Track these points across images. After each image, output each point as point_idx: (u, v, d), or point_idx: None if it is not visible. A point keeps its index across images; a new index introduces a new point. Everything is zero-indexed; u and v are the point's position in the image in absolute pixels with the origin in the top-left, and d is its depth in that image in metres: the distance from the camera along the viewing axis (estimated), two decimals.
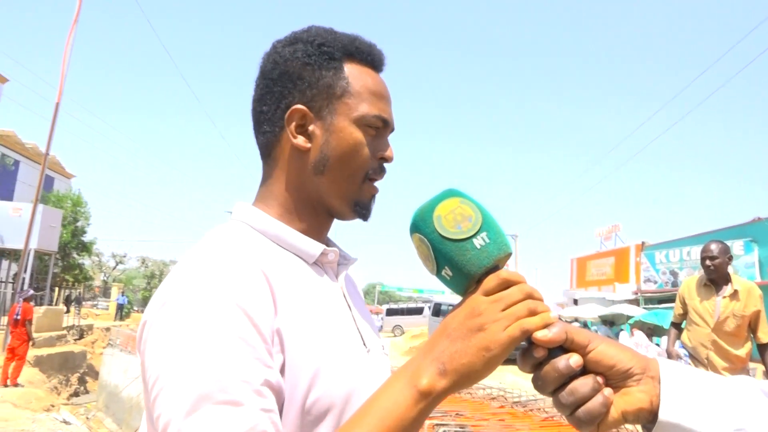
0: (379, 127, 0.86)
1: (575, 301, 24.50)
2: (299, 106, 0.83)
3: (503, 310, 0.63)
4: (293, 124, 0.84)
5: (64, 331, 17.99)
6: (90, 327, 22.21)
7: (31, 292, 11.22)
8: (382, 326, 40.14)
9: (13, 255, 20.96)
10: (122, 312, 31.05)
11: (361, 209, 0.87)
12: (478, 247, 0.66)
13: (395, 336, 30.55)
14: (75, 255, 24.70)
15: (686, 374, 0.62)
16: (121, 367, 15.06)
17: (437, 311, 22.82)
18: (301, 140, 0.84)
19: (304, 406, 0.70)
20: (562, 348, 0.62)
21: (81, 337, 20.51)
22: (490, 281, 0.65)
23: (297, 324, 0.72)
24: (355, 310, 0.87)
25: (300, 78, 0.84)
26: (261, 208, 0.86)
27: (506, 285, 0.64)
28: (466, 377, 0.63)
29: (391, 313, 34.78)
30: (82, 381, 16.56)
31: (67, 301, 25.58)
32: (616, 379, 0.61)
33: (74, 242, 24.34)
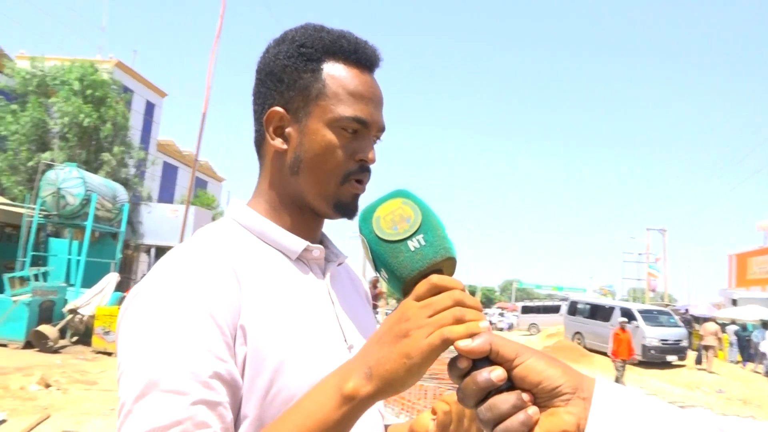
0: (357, 129, 0.84)
1: (734, 302, 22.34)
2: (277, 108, 0.85)
3: (430, 316, 0.60)
4: (272, 125, 0.86)
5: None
6: None
7: None
8: (512, 324, 39.31)
9: None
10: None
11: (342, 209, 0.86)
12: (412, 249, 0.64)
13: (531, 335, 29.71)
14: None
15: (625, 398, 0.55)
16: None
17: (573, 310, 21.84)
18: (278, 142, 0.86)
19: (266, 397, 0.72)
20: (489, 360, 0.58)
21: None
22: (421, 286, 0.63)
23: (263, 319, 0.74)
24: (339, 307, 0.86)
25: (280, 80, 0.85)
26: (251, 205, 0.89)
27: (436, 291, 0.62)
28: (389, 384, 0.62)
29: (526, 310, 33.96)
30: None
31: None
32: (544, 397, 0.56)
33: None
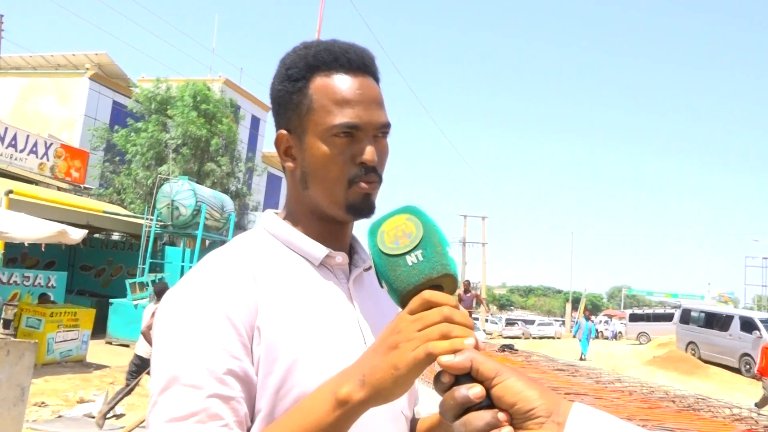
0: (350, 133, 0.86)
1: None
2: (282, 131, 0.92)
3: (419, 330, 0.63)
4: (281, 147, 0.93)
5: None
6: None
7: None
8: (619, 332, 37.22)
9: None
10: None
11: (356, 211, 0.90)
12: (410, 264, 0.67)
13: (640, 344, 28.05)
14: None
15: (600, 425, 0.55)
16: None
17: (686, 318, 20.45)
18: (289, 162, 0.93)
19: (278, 394, 0.78)
20: (471, 377, 0.60)
21: None
22: (414, 301, 0.66)
23: (278, 320, 0.80)
24: (361, 311, 0.91)
25: (280, 104, 0.92)
26: (280, 215, 0.96)
27: (427, 306, 0.65)
28: (379, 393, 0.65)
29: (635, 318, 32.06)
30: None
31: None
32: (519, 418, 0.57)
33: None
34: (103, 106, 21.33)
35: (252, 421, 0.77)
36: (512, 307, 79.63)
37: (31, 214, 9.37)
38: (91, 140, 18.88)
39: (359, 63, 0.90)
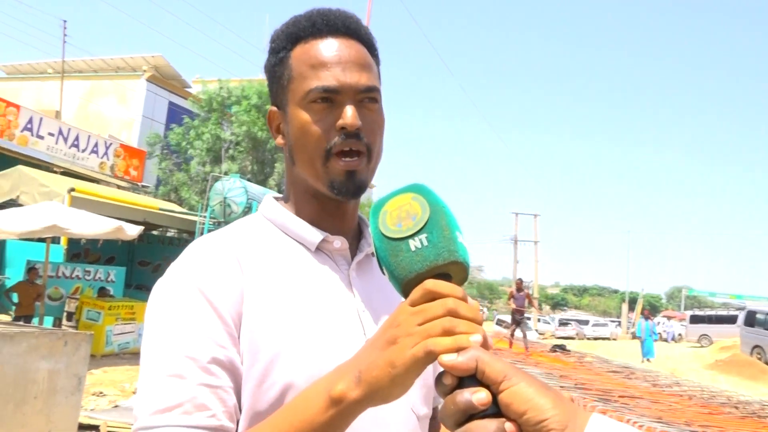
0: (328, 98, 0.80)
1: None
2: (272, 107, 0.89)
3: (419, 324, 0.56)
4: (273, 124, 0.90)
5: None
6: None
7: None
8: (678, 334, 35.82)
9: None
10: None
11: (338, 189, 0.82)
12: (413, 249, 0.60)
13: (701, 347, 26.97)
14: None
15: None
16: None
17: (751, 320, 19.52)
18: (279, 138, 0.89)
19: (261, 388, 0.72)
20: (477, 380, 0.53)
21: None
22: (416, 291, 0.59)
23: (263, 308, 0.75)
24: (362, 300, 0.84)
25: (269, 80, 0.89)
26: (281, 200, 0.91)
27: (431, 297, 0.58)
28: (375, 392, 0.59)
29: (695, 320, 30.85)
30: None
31: None
32: (528, 430, 0.50)
33: None
34: (160, 106, 22.00)
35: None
36: (566, 307, 78.09)
37: (92, 211, 9.71)
38: (148, 139, 19.51)
39: (339, 25, 0.84)
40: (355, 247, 0.90)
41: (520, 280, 15.58)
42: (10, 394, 4.38)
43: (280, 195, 0.93)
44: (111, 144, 16.78)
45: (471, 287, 59.05)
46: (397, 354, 0.57)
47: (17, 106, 14.21)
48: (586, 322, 42.40)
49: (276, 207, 0.89)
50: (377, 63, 0.89)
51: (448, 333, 0.55)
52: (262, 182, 17.00)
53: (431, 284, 0.58)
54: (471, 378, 0.53)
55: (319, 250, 0.85)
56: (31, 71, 24.90)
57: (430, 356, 0.55)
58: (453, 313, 0.56)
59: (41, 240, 9.99)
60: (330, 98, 0.81)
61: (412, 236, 0.61)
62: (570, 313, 61.60)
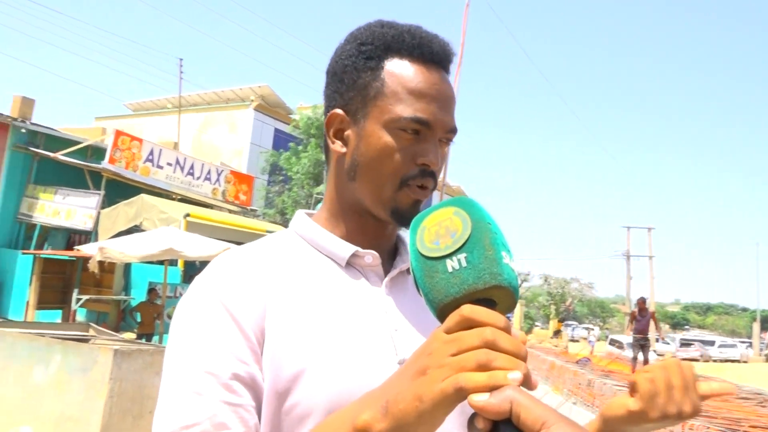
0: (418, 130, 0.77)
1: None
2: (337, 110, 0.83)
3: (452, 355, 0.51)
4: (332, 128, 0.84)
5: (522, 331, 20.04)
6: None
7: None
8: None
9: None
10: None
11: (400, 216, 0.80)
12: (450, 270, 0.54)
13: None
14: None
15: None
16: None
17: None
18: (338, 145, 0.83)
19: (282, 408, 0.69)
20: (512, 425, 0.47)
21: None
22: (451, 318, 0.53)
23: (286, 325, 0.71)
24: (395, 318, 0.78)
25: (341, 80, 0.83)
26: (313, 213, 0.88)
27: (467, 325, 0.52)
28: (401, 426, 0.53)
29: None
30: None
31: None
32: None
33: None
34: (266, 133, 23.16)
35: None
36: (687, 326, 72.87)
37: (205, 234, 10.31)
38: (258, 163, 20.54)
39: (441, 56, 0.81)
40: (390, 264, 0.84)
41: (642, 299, 14.13)
42: (128, 408, 4.67)
43: (313, 212, 0.90)
44: (222, 171, 17.79)
45: (582, 305, 56.55)
46: (426, 387, 0.51)
47: (140, 140, 15.45)
48: (711, 343, 39.15)
49: (306, 221, 0.85)
50: None
51: (483, 368, 0.48)
52: None
53: (468, 310, 0.52)
54: (506, 423, 0.47)
55: (350, 265, 0.81)
56: (152, 107, 27.11)
57: (461, 393, 0.48)
58: (490, 345, 0.49)
59: (161, 262, 10.71)
60: (419, 130, 0.78)
61: (449, 255, 0.54)
62: (692, 333, 57.32)
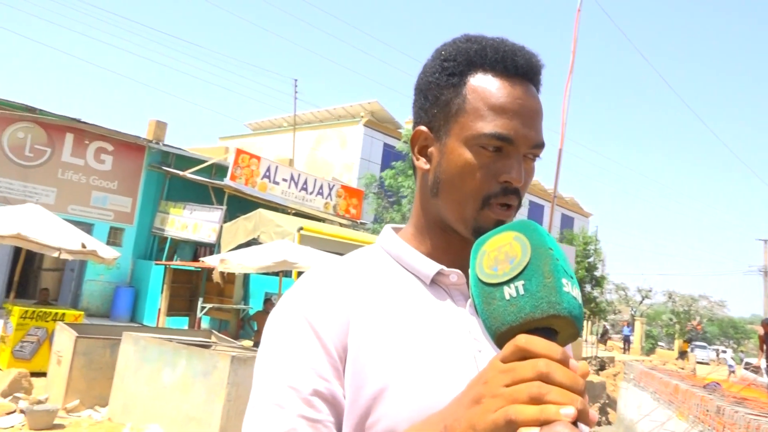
0: (500, 147, 0.76)
1: None
2: (421, 127, 0.83)
3: (507, 385, 0.50)
4: (417, 145, 0.84)
5: (584, 362, 19.12)
6: (612, 359, 22.89)
7: None
8: None
9: None
10: (629, 344, 30.58)
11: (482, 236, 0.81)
12: (507, 297, 0.54)
13: None
14: (589, 289, 26.06)
15: None
16: (635, 402, 14.95)
17: None
18: (422, 162, 0.83)
19: (364, 424, 0.69)
20: None
21: (602, 368, 21.35)
22: (507, 346, 0.53)
23: (371, 342, 0.72)
24: (478, 338, 0.77)
25: (426, 97, 0.83)
26: (399, 229, 0.89)
27: (522, 355, 0.51)
28: None
29: None
30: (603, 411, 17.17)
31: (603, 334, 26.74)
32: None
33: (588, 277, 25.69)
34: (376, 148, 23.63)
35: None
36: None
37: (317, 247, 10.69)
38: (362, 179, 21.04)
39: (526, 69, 0.78)
40: None
41: (766, 321, 12.86)
42: (244, 411, 4.94)
43: (401, 226, 0.90)
44: (333, 186, 18.38)
45: (712, 325, 52.16)
46: (479, 417, 0.51)
47: (258, 158, 16.36)
48: None
49: (393, 238, 0.86)
50: None
51: (535, 401, 0.48)
52: None
53: (523, 340, 0.51)
54: None
55: (435, 283, 0.80)
56: (270, 126, 28.60)
57: (511, 425, 0.48)
58: (544, 378, 0.48)
59: (276, 274, 11.24)
60: (501, 147, 0.77)
61: (507, 282, 0.54)
62: None
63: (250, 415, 0.70)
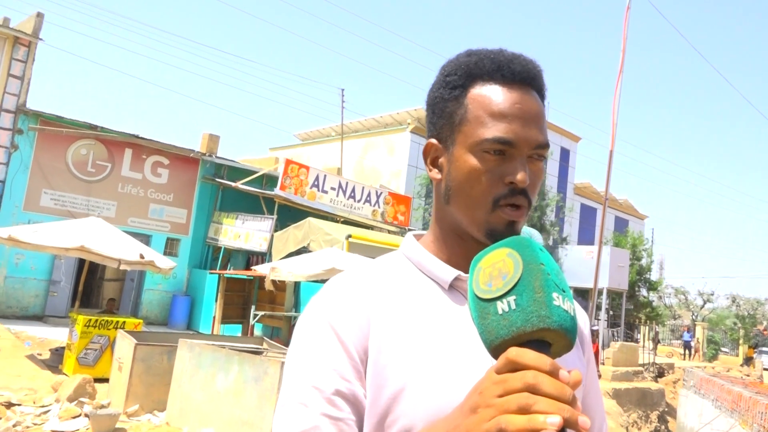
0: (502, 150, 0.80)
1: None
2: (432, 140, 0.88)
3: (499, 396, 0.54)
4: (429, 157, 0.89)
5: (641, 368, 18.54)
6: (671, 366, 22.11)
7: (596, 327, 12.26)
8: None
9: (590, 294, 23.16)
10: (690, 350, 29.34)
11: (496, 238, 0.79)
12: (500, 312, 0.57)
13: None
14: (643, 293, 25.24)
15: None
16: (695, 410, 14.41)
17: None
18: (434, 172, 0.88)
19: (384, 424, 0.74)
20: None
21: (660, 375, 20.64)
22: (500, 359, 0.56)
23: (391, 344, 0.77)
24: None
25: (433, 111, 0.88)
26: (420, 236, 0.93)
27: (512, 367, 0.55)
28: None
29: None
30: (662, 420, 16.61)
31: (654, 339, 25.91)
32: None
33: (641, 280, 24.88)
34: None
35: None
36: None
37: (364, 254, 10.78)
38: (415, 188, 21.08)
39: (523, 75, 0.83)
40: None
41: None
42: None
43: (424, 233, 0.94)
44: (381, 193, 18.51)
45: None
46: (475, 425, 0.55)
47: (307, 167, 16.66)
48: None
49: (413, 244, 0.90)
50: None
51: (523, 411, 0.51)
52: None
53: (514, 353, 0.55)
54: None
55: (454, 288, 0.84)
56: (318, 136, 29.05)
57: None
58: (532, 389, 0.52)
59: (326, 281, 11.36)
60: (503, 150, 0.80)
61: (500, 298, 0.57)
62: None
63: (278, 413, 0.76)
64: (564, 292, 0.58)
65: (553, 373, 0.53)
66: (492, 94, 0.82)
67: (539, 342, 0.56)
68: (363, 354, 0.76)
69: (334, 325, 0.78)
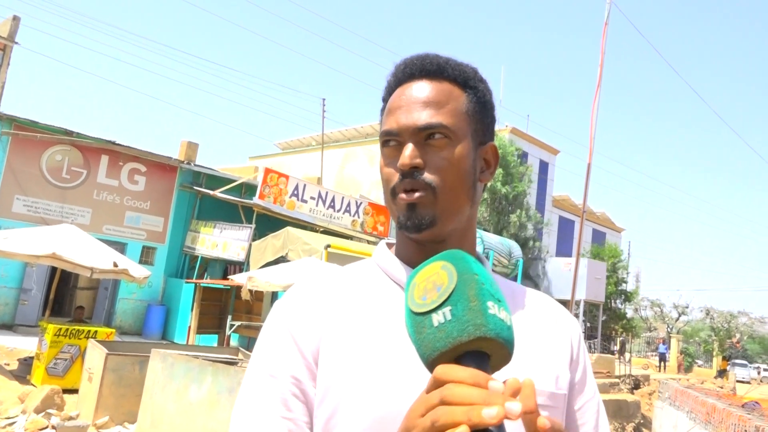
0: (393, 141, 0.83)
1: None
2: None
3: (421, 415, 0.51)
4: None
5: (617, 379, 18.69)
6: (647, 378, 22.32)
7: None
8: None
9: (567, 306, 23.38)
10: (665, 362, 29.67)
11: (403, 224, 0.82)
12: (436, 324, 0.54)
13: None
14: (619, 305, 25.55)
15: None
16: (670, 422, 14.55)
17: None
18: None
19: (329, 424, 0.75)
20: None
21: (636, 386, 20.81)
22: (429, 379, 0.53)
23: (339, 348, 0.77)
24: None
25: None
26: (390, 243, 0.94)
27: (438, 385, 0.52)
28: None
29: None
30: (637, 431, 16.73)
31: (621, 350, 26.15)
32: None
33: (616, 292, 25.19)
34: None
35: None
36: None
37: (344, 264, 10.63)
38: None
39: (415, 70, 0.85)
40: None
41: None
42: None
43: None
44: (361, 203, 18.49)
45: (753, 342, 50.48)
46: None
47: (287, 176, 16.58)
48: None
49: (382, 249, 0.91)
50: (478, 95, 0.86)
51: (437, 426, 0.48)
52: (498, 232, 17.10)
53: (439, 371, 0.52)
54: None
55: None
56: (299, 145, 29.03)
57: None
58: (446, 401, 0.49)
59: None
60: (395, 141, 0.83)
61: (435, 309, 0.55)
62: None
63: (234, 412, 0.79)
64: (499, 301, 0.57)
65: (479, 384, 0.50)
66: (393, 95, 0.86)
67: (477, 354, 0.54)
68: (316, 356, 0.78)
69: (291, 329, 0.80)
